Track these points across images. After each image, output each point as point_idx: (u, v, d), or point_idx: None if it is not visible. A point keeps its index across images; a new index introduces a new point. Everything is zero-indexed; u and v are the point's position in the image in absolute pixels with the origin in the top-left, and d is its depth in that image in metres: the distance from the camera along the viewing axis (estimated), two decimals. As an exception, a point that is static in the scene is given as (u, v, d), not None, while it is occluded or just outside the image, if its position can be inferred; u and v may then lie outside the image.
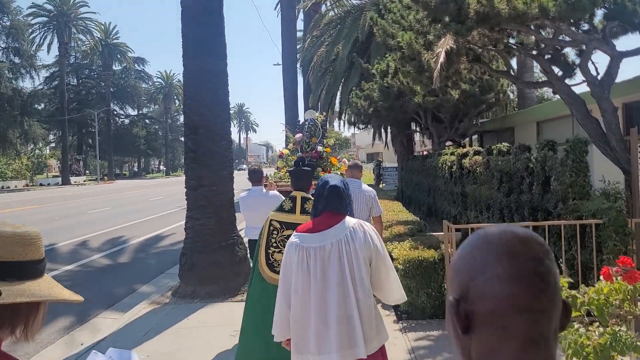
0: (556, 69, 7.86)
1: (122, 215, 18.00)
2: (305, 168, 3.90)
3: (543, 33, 7.53)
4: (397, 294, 2.75)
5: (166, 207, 20.34)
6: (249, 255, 6.34)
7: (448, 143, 16.81)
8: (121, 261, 10.20)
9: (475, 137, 20.41)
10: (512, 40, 8.23)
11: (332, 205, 2.71)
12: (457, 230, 5.59)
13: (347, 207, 2.78)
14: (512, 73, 8.87)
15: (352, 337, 2.53)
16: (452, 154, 11.16)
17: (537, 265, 0.80)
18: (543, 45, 8.03)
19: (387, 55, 13.41)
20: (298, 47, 27.50)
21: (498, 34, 7.61)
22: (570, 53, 8.36)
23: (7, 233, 1.05)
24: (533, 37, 8.28)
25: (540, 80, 8.04)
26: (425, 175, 14.39)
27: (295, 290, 2.62)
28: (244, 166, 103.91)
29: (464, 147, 16.61)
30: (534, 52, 8.26)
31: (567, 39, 7.18)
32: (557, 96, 8.35)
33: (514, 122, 15.55)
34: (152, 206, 21.52)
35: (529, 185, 6.74)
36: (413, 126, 20.20)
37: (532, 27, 7.38)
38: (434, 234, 7.30)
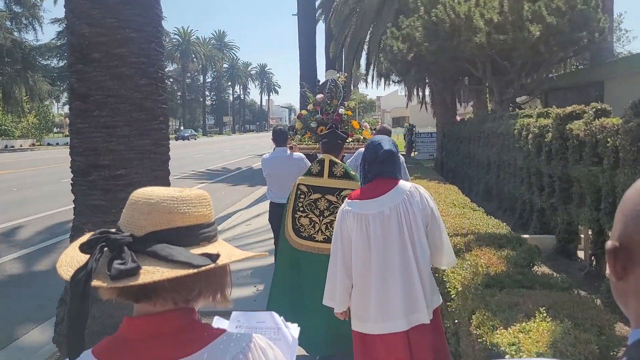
0: None
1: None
2: (341, 134, 3.90)
3: None
4: (449, 257, 2.61)
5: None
6: (268, 218, 5.49)
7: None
8: (40, 268, 6.83)
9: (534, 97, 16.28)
10: None
11: (387, 171, 2.53)
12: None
13: (401, 171, 2.68)
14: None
15: (415, 303, 2.44)
16: (541, 115, 7.35)
17: None
18: None
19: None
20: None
21: None
22: None
23: (192, 195, 0.97)
24: None
25: None
26: (482, 145, 10.61)
27: (355, 259, 2.50)
28: (190, 132, 67.71)
29: (522, 109, 12.73)
30: None
31: None
32: None
33: (603, 74, 11.50)
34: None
35: None
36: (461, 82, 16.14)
37: None
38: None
